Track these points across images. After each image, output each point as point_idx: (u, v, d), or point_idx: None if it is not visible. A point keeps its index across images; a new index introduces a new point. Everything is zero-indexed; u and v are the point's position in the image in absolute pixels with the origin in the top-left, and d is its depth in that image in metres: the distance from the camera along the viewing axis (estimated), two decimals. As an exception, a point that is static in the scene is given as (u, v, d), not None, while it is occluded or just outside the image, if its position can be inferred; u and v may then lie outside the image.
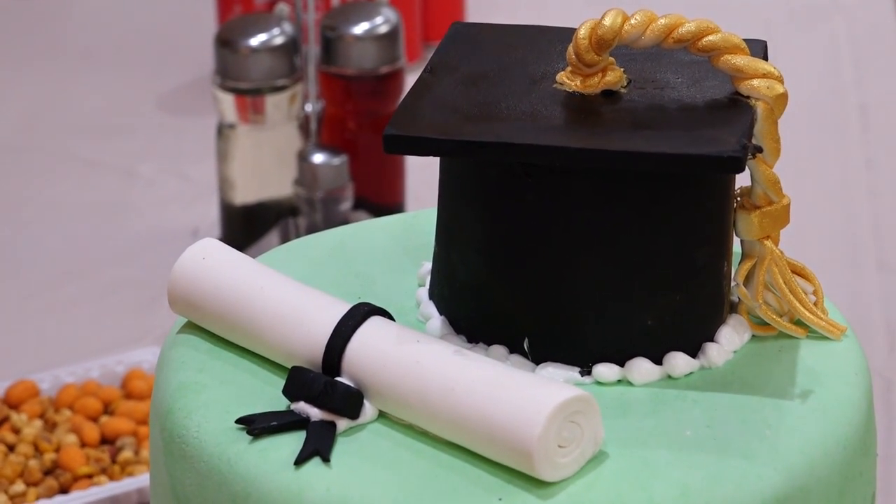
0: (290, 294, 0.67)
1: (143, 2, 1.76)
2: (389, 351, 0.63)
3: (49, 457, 1.03)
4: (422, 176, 1.24)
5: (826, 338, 0.69)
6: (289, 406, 0.64)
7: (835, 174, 1.43)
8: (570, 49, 0.65)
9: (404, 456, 0.62)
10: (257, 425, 0.63)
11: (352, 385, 0.64)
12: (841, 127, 1.51)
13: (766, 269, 0.67)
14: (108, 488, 1.00)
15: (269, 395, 0.65)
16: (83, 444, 1.04)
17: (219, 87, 1.22)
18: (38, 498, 1.00)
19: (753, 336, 0.69)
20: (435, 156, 0.65)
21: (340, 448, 0.62)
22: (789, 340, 0.69)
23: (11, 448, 1.04)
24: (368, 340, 0.64)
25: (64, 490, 1.01)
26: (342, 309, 0.65)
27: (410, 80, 0.72)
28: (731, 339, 0.68)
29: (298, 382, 0.64)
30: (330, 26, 1.23)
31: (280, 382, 0.65)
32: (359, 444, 0.63)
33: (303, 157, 1.20)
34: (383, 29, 1.23)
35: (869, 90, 1.58)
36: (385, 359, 0.63)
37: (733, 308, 0.69)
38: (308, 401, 0.63)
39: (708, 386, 0.66)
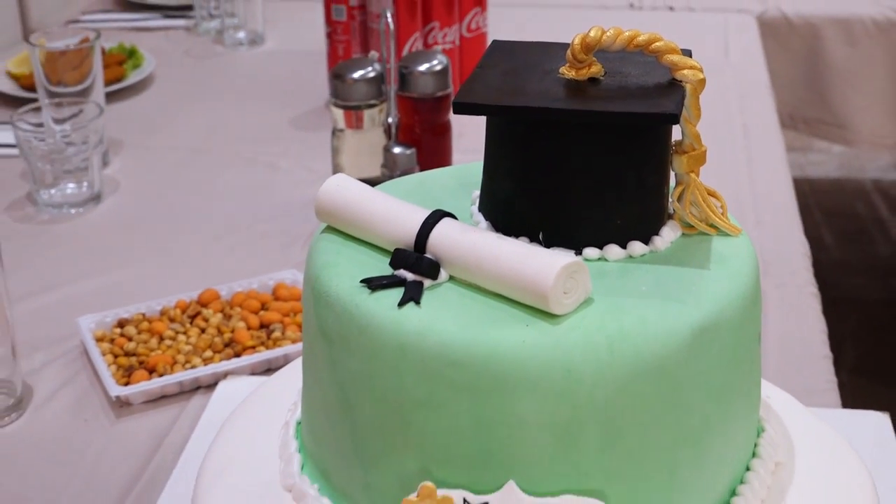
0: (392, 204, 0.69)
1: (280, 57, 1.78)
2: (456, 237, 0.65)
3: (227, 335, 1.05)
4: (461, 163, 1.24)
5: (729, 235, 0.70)
6: (393, 272, 0.66)
7: (727, 168, 1.43)
8: (568, 52, 0.67)
9: (466, 301, 0.64)
10: (374, 283, 0.65)
11: (433, 258, 0.65)
12: (731, 138, 1.52)
13: (691, 191, 0.69)
14: (264, 354, 1.02)
15: (380, 266, 0.67)
16: (249, 328, 1.06)
17: (333, 105, 1.23)
18: (221, 360, 1.02)
19: (683, 234, 0.70)
20: (483, 115, 0.67)
21: (426, 297, 0.64)
22: (706, 236, 0.70)
23: (203, 330, 1.06)
24: (443, 231, 0.66)
25: (237, 355, 1.03)
26: (426, 213, 0.67)
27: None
28: (669, 234, 0.69)
29: (399, 257, 0.66)
30: (404, 66, 1.23)
31: (387, 259, 0.67)
32: (437, 295, 0.64)
33: (387, 150, 1.21)
34: (438, 67, 1.23)
35: (749, 116, 1.59)
36: (454, 241, 0.65)
37: (670, 216, 0.70)
38: (405, 268, 0.65)
39: (655, 262, 0.67)
